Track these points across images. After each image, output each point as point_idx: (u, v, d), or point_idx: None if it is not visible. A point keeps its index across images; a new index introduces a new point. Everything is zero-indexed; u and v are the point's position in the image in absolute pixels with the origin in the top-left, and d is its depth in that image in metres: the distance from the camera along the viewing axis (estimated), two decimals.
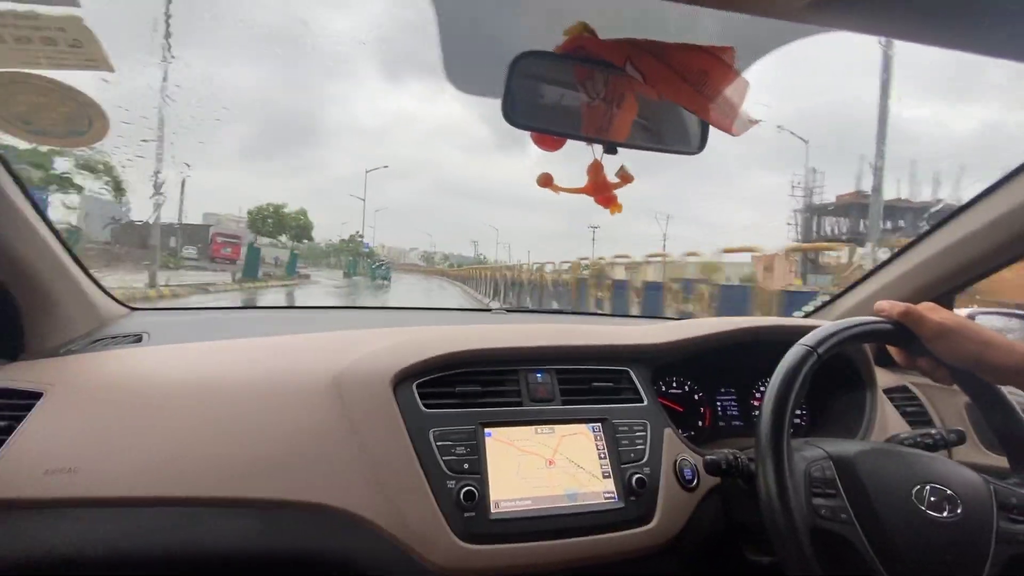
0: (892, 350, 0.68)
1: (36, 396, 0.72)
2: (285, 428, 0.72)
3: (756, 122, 0.59)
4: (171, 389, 0.76)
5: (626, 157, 0.68)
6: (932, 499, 0.61)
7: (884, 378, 1.09)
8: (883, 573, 0.56)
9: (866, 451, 0.63)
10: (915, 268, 1.08)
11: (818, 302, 1.35)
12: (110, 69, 0.61)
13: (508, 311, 1.36)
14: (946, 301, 1.10)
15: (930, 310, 0.62)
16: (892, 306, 0.64)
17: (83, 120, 0.67)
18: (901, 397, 1.08)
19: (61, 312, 0.88)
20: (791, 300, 6.34)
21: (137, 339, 0.91)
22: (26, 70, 0.59)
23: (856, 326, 0.64)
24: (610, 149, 0.65)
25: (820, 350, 0.61)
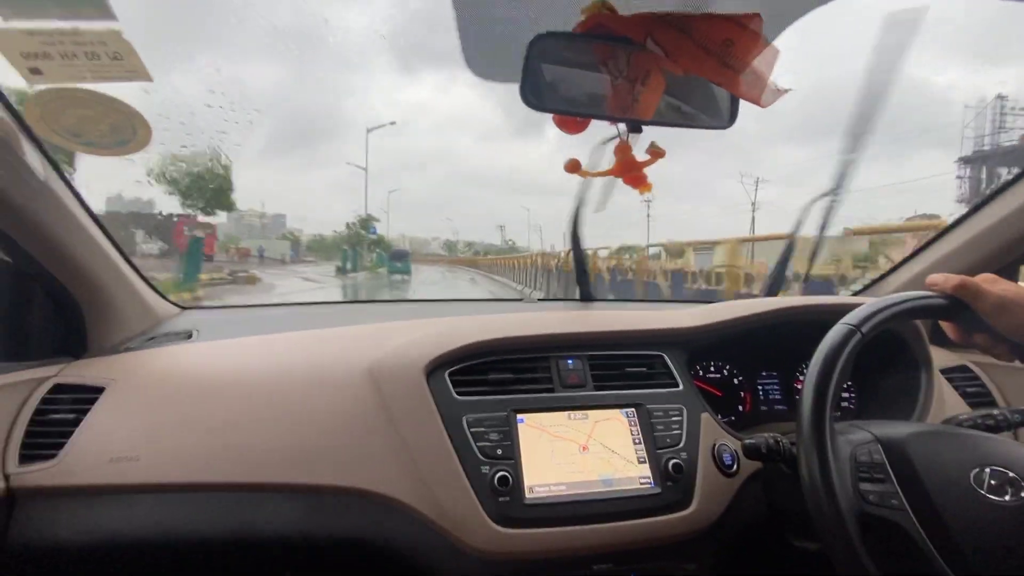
0: (946, 326, 0.64)
1: (99, 391, 0.77)
2: (325, 417, 0.75)
3: (785, 91, 0.56)
4: (220, 382, 0.81)
5: (654, 135, 0.66)
6: (993, 482, 0.57)
7: (941, 358, 1.03)
8: (939, 561, 0.53)
9: (918, 433, 0.59)
10: (973, 239, 1.01)
11: (867, 279, 1.28)
12: (149, 79, 0.65)
13: (541, 300, 1.36)
14: (1008, 273, 1.02)
15: (989, 282, 0.58)
16: (946, 279, 0.60)
17: (128, 130, 0.71)
18: (961, 377, 1.01)
19: (119, 313, 0.93)
20: None
21: (188, 336, 0.96)
22: (73, 84, 0.63)
23: (903, 302, 0.60)
24: (635, 128, 0.63)
25: (864, 328, 0.57)
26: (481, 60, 0.67)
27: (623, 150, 0.70)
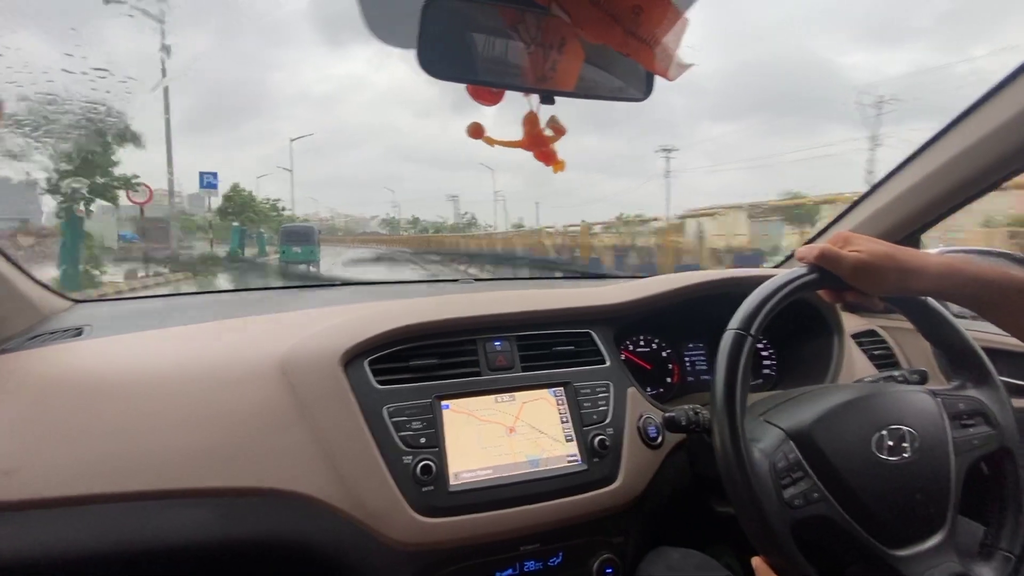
0: (823, 292, 0.66)
1: None
2: (233, 414, 0.69)
3: (690, 66, 0.54)
4: (112, 382, 0.73)
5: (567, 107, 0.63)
6: (890, 443, 0.60)
7: (852, 322, 1.09)
8: (865, 536, 0.56)
9: (822, 415, 0.61)
10: (886, 206, 1.06)
11: (787, 251, 1.33)
12: None
13: (476, 280, 1.33)
14: (912, 240, 1.09)
15: (842, 244, 0.60)
16: (809, 250, 0.62)
17: None
18: (869, 341, 1.08)
19: None
20: None
21: (77, 332, 0.87)
22: None
23: (778, 290, 0.61)
24: (547, 99, 0.60)
25: (752, 330, 0.58)
26: (383, 22, 0.62)
27: (531, 121, 0.66)
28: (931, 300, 0.67)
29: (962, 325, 0.68)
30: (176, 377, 0.74)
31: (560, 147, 0.63)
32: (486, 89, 0.64)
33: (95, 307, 1.02)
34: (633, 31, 0.51)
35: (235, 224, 18.88)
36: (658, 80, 0.64)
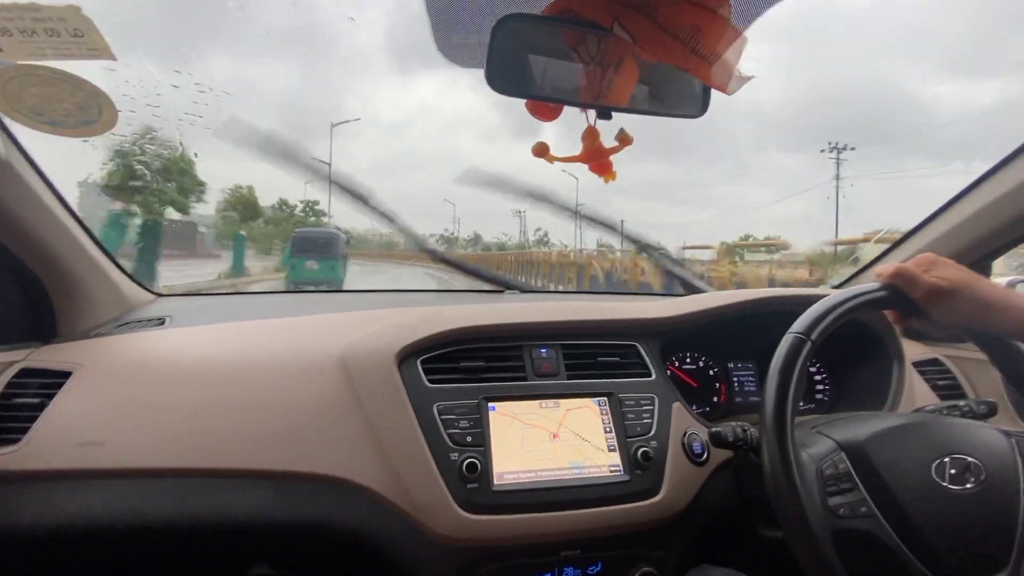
0: (888, 312, 0.64)
1: (65, 375, 0.76)
2: (295, 404, 0.74)
3: (750, 79, 0.55)
4: (190, 368, 0.80)
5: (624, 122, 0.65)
6: (952, 472, 0.58)
7: (913, 350, 1.04)
8: (915, 562, 0.54)
9: (879, 432, 0.59)
10: (950, 232, 1.02)
11: (851, 271, 1.29)
12: (112, 57, 0.63)
13: (522, 292, 1.36)
14: (982, 266, 1.03)
15: (925, 268, 0.58)
16: (886, 268, 0.60)
17: (93, 109, 0.70)
18: (932, 370, 1.02)
19: (89, 298, 0.92)
20: None
21: (160, 322, 0.95)
22: (34, 62, 0.62)
23: (844, 301, 0.60)
24: (604, 114, 0.63)
25: (813, 336, 0.57)
26: (453, 44, 0.67)
27: (591, 136, 0.69)
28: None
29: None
30: (245, 366, 0.80)
31: (620, 173, 0.66)
32: (544, 105, 0.67)
33: (175, 301, 1.11)
34: (693, 47, 0.53)
35: (239, 233, 15.59)
36: (722, 107, 0.66)
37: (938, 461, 0.58)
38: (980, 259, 1.01)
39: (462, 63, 0.67)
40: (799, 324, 0.58)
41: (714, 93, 0.65)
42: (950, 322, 0.58)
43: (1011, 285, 1.09)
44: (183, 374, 0.79)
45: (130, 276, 1.07)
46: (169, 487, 0.70)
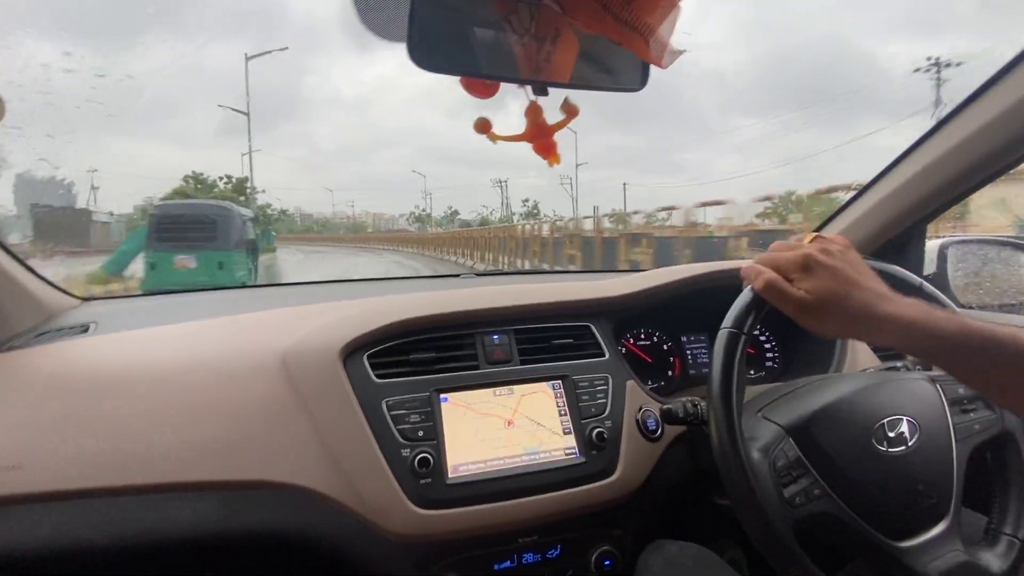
0: None
1: None
2: (234, 409, 0.70)
3: (682, 52, 0.54)
4: (116, 378, 0.74)
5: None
6: (891, 435, 0.60)
7: None
8: (868, 529, 0.56)
9: (819, 409, 0.60)
10: (887, 198, 1.05)
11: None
12: None
13: (478, 275, 1.33)
14: (919, 230, 1.07)
15: (798, 274, 0.51)
16: (756, 275, 0.53)
17: None
18: None
19: None
20: None
21: (84, 329, 0.88)
22: None
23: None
24: (539, 90, 0.60)
25: (745, 329, 0.56)
26: (375, 14, 0.62)
27: (534, 112, 0.66)
28: (926, 285, 0.66)
29: (955, 307, 0.68)
30: (179, 372, 0.75)
31: (584, 143, 0.63)
32: (480, 81, 0.64)
33: (102, 304, 1.03)
34: (625, 19, 0.51)
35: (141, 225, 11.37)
36: (685, 75, 0.64)
37: (877, 426, 0.59)
38: (917, 223, 1.05)
39: (389, 36, 0.63)
40: (730, 320, 0.57)
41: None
42: (823, 334, 0.54)
43: (944, 246, 1.14)
44: (109, 384, 0.73)
45: (48, 281, 0.98)
46: (99, 508, 0.66)
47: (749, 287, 0.57)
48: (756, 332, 0.71)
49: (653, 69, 0.64)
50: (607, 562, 0.73)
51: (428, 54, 0.52)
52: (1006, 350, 0.46)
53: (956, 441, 0.62)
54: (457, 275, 1.31)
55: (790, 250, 0.53)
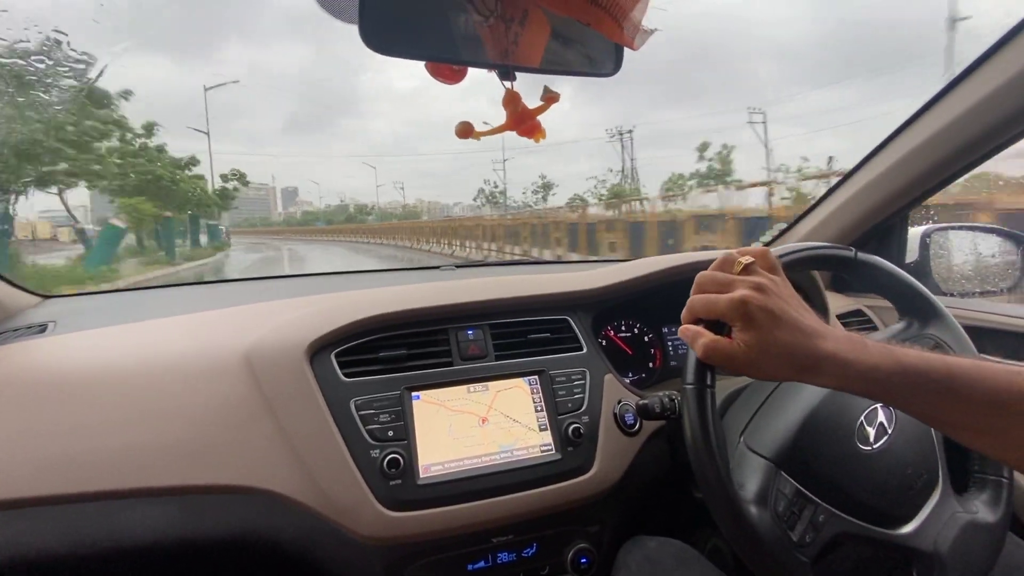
0: None
1: None
2: (196, 410, 0.67)
3: (653, 31, 0.51)
4: (73, 379, 0.71)
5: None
6: (871, 430, 0.59)
7: (838, 303, 1.07)
8: (872, 528, 0.55)
9: (800, 427, 0.58)
10: (868, 185, 1.04)
11: (775, 231, 1.30)
12: None
13: (457, 267, 1.30)
14: (901, 218, 1.06)
15: (740, 324, 0.47)
16: (693, 339, 0.50)
17: None
18: (856, 321, 1.06)
19: None
20: None
21: (41, 329, 0.84)
22: None
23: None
24: (505, 75, 0.57)
25: (708, 382, 0.52)
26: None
27: (513, 100, 0.63)
28: (860, 253, 0.65)
29: (896, 268, 0.67)
30: (139, 372, 0.72)
31: (638, 121, 0.60)
32: (446, 67, 0.61)
33: (63, 303, 0.99)
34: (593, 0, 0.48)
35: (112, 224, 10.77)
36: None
37: (857, 426, 0.58)
38: (899, 210, 1.04)
39: (346, 18, 0.59)
40: (690, 375, 0.53)
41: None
42: (765, 380, 0.52)
43: (926, 234, 1.13)
44: (66, 387, 0.70)
45: (7, 279, 0.94)
46: (56, 516, 0.63)
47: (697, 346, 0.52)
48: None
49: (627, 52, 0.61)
50: (584, 560, 0.72)
51: (383, 37, 0.49)
52: (935, 376, 0.44)
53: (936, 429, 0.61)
54: (437, 267, 1.28)
55: (722, 290, 0.49)
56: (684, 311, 0.52)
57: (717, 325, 0.49)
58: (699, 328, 0.50)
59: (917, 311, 0.68)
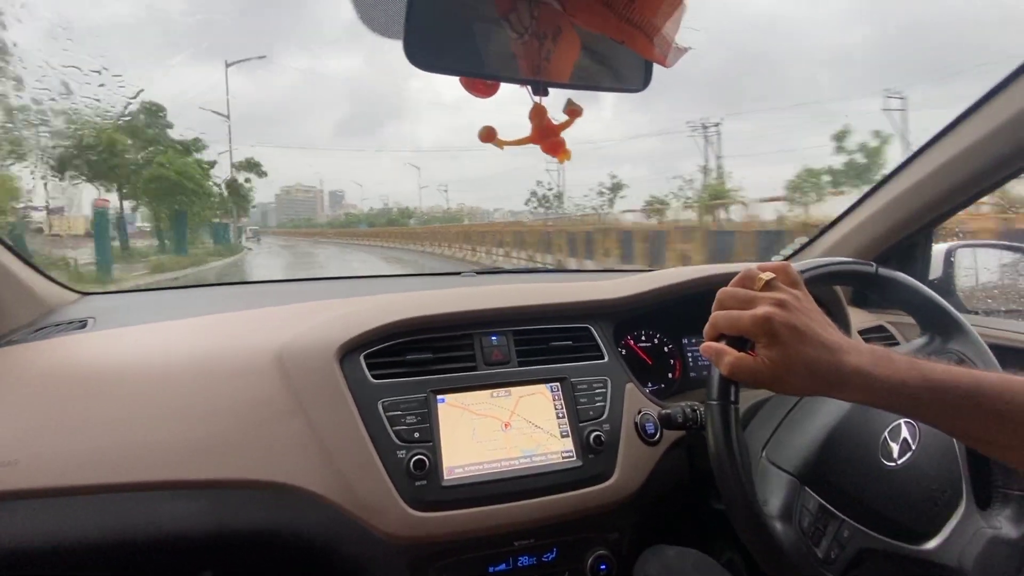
0: None
1: None
2: (229, 407, 0.70)
3: (687, 50, 0.53)
4: (112, 374, 0.74)
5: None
6: (895, 446, 0.59)
7: (859, 318, 1.06)
8: (894, 543, 0.55)
9: (825, 443, 0.58)
10: (895, 200, 1.04)
11: (796, 244, 1.30)
12: None
13: (478, 273, 1.32)
14: (926, 234, 1.06)
15: (765, 340, 0.47)
16: (717, 357, 0.50)
17: None
18: (878, 337, 1.05)
19: None
20: None
21: (82, 325, 0.88)
22: None
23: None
24: (538, 90, 0.59)
25: (732, 398, 0.53)
26: (377, 13, 0.61)
27: (539, 114, 0.65)
28: (881, 269, 0.65)
29: (919, 284, 0.66)
30: (174, 370, 0.74)
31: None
32: (480, 81, 0.63)
33: (102, 300, 1.03)
34: (627, 17, 0.50)
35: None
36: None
37: (881, 441, 0.59)
38: (923, 227, 1.04)
39: (390, 34, 0.62)
40: (714, 391, 0.53)
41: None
42: (789, 395, 0.52)
43: (951, 251, 1.12)
44: (106, 381, 0.73)
45: (46, 275, 0.98)
46: (93, 505, 0.66)
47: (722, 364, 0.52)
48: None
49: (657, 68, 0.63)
50: (603, 566, 0.73)
51: (426, 54, 0.52)
52: (962, 390, 0.44)
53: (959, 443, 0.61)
54: (458, 273, 1.30)
55: (744, 306, 0.49)
56: (707, 327, 0.52)
57: (740, 341, 0.50)
58: (722, 345, 0.50)
59: (939, 326, 0.68)
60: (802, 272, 0.54)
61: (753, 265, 0.53)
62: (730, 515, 0.53)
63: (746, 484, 0.51)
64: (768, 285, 0.50)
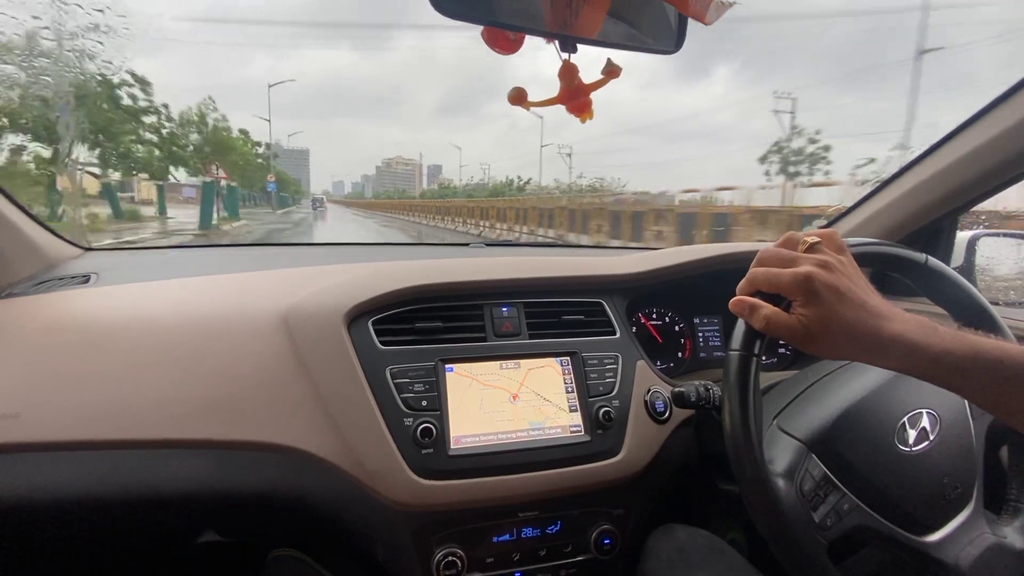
0: None
1: None
2: (234, 367, 0.69)
3: (730, 5, 0.49)
4: (116, 330, 0.73)
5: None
6: (913, 432, 0.58)
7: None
8: (898, 531, 0.55)
9: (840, 417, 0.57)
10: (916, 188, 1.00)
11: (814, 227, 1.27)
12: None
13: (488, 244, 1.30)
14: (951, 220, 1.02)
15: (803, 299, 0.46)
16: (751, 311, 0.49)
17: None
18: None
19: None
20: None
21: (84, 280, 0.86)
22: None
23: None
24: (567, 46, 0.56)
25: (756, 351, 0.51)
26: None
27: (570, 73, 0.62)
28: (931, 260, 0.62)
29: (965, 281, 0.63)
30: (180, 327, 0.73)
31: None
32: (503, 36, 0.59)
33: (105, 256, 1.02)
34: None
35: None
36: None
37: (899, 425, 0.57)
38: (947, 214, 1.00)
39: None
40: (736, 341, 0.52)
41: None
42: (825, 358, 0.52)
43: (974, 239, 1.09)
44: (107, 336, 0.72)
45: (51, 230, 0.96)
46: (98, 460, 0.65)
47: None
48: None
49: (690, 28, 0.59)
50: (607, 540, 0.72)
51: (451, 1, 0.48)
52: (1010, 363, 0.42)
53: (972, 420, 0.60)
54: (467, 244, 1.28)
55: (785, 265, 0.48)
56: (742, 283, 0.51)
57: (775, 300, 0.48)
58: (757, 300, 0.49)
59: (977, 327, 0.65)
60: (850, 246, 0.52)
61: (798, 232, 0.51)
62: (733, 465, 0.52)
63: (755, 436, 0.51)
64: (812, 248, 0.48)
